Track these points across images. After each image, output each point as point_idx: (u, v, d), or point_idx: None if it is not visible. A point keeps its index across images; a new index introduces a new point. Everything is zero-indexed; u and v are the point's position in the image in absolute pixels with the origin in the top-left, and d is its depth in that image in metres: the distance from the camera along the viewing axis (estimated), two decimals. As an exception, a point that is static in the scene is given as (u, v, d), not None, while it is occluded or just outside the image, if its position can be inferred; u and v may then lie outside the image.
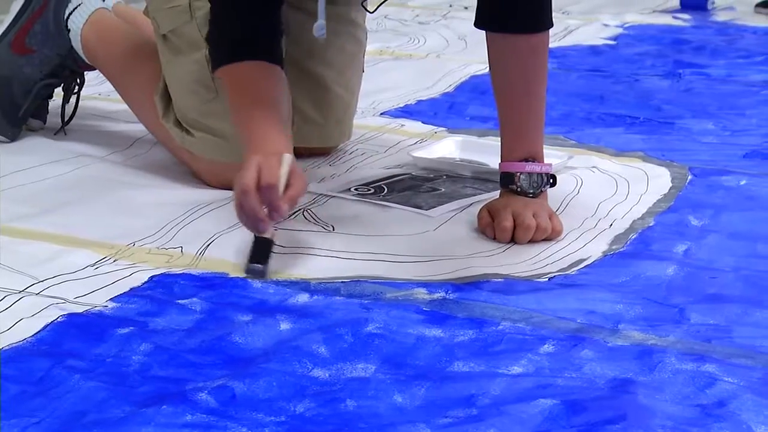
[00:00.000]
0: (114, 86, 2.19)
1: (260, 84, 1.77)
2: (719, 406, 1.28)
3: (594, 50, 3.08)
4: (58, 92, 2.25)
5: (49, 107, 2.26)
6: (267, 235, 1.65)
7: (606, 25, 3.37)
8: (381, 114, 2.45)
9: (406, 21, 3.45)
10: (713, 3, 3.71)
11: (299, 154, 2.03)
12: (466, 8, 3.63)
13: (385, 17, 3.47)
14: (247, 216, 1.62)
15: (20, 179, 1.98)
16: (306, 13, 1.98)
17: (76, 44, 2.17)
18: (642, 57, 3.01)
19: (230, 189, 1.92)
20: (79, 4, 2.18)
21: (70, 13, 2.17)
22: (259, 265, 1.62)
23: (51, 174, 2.01)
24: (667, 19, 3.51)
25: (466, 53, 3.02)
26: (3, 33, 2.20)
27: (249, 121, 1.73)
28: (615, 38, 3.23)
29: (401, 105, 2.52)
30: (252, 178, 1.61)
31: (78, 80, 2.24)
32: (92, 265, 1.63)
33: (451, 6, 3.67)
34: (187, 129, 1.98)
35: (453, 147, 2.18)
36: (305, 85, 2.07)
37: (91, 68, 2.21)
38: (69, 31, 2.17)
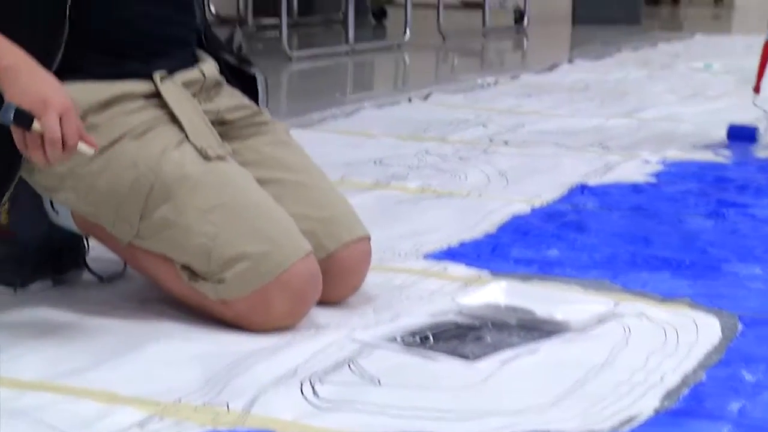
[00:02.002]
0: (123, 258, 2.15)
1: None
2: None
3: (636, 188, 3.06)
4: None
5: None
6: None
7: (647, 162, 3.36)
8: (424, 257, 2.44)
9: (446, 156, 3.46)
10: (762, 134, 3.66)
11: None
12: (506, 143, 3.64)
13: (426, 152, 3.48)
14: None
15: (61, 333, 1.96)
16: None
17: (69, 224, 2.11)
18: (684, 195, 2.99)
19: (276, 324, 1.95)
20: None
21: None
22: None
23: (88, 326, 1.99)
24: (708, 155, 3.50)
25: (507, 191, 3.02)
26: None
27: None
28: (656, 175, 3.22)
29: (444, 247, 2.51)
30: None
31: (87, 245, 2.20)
32: (138, 425, 1.61)
33: (491, 141, 3.68)
34: (218, 279, 1.97)
35: (498, 293, 2.16)
36: (296, 197, 2.11)
37: None
38: (57, 212, 2.11)
